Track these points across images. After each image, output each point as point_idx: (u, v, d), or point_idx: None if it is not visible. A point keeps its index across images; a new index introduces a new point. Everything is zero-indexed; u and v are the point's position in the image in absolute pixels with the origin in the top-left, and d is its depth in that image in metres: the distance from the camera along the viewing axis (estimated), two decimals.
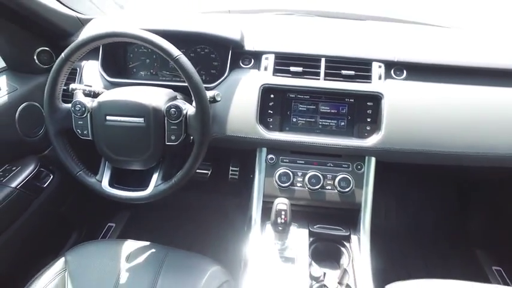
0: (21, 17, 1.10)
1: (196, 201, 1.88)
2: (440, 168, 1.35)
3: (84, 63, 1.22)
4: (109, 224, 1.79)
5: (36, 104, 1.22)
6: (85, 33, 1.27)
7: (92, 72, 1.21)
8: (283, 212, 0.96)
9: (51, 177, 1.29)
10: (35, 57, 1.22)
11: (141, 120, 0.96)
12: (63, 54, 0.94)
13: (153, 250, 1.09)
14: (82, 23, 1.31)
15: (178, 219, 1.82)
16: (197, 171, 1.39)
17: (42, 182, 1.25)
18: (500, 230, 1.69)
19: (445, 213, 1.88)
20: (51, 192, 1.28)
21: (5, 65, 1.22)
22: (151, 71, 1.26)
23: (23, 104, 1.17)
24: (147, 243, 1.11)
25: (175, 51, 0.91)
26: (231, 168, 1.43)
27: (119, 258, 1.05)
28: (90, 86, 1.06)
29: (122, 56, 1.26)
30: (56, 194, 1.32)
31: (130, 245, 1.09)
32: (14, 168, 1.17)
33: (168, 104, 0.96)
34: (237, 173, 1.43)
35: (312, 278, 0.97)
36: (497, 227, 1.71)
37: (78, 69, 1.21)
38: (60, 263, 1.02)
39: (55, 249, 1.41)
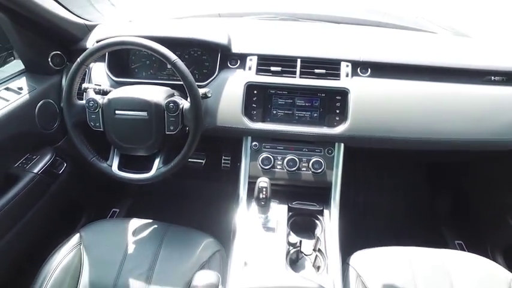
0: (39, 26, 1.23)
1: (193, 187, 2.00)
2: (408, 154, 1.51)
3: (92, 65, 1.33)
4: (113, 209, 1.91)
5: (51, 101, 1.34)
6: (93, 38, 1.39)
7: (99, 73, 1.33)
8: (264, 189, 1.10)
9: (65, 165, 1.41)
10: (49, 59, 1.34)
11: (144, 113, 1.08)
12: (79, 59, 1.07)
13: (155, 226, 1.22)
14: (89, 28, 1.43)
15: (177, 204, 1.93)
16: (193, 160, 1.53)
17: (57, 169, 1.37)
18: (463, 208, 1.85)
19: (416, 194, 2.03)
20: (65, 178, 1.41)
21: (23, 68, 1.34)
22: (151, 71, 1.37)
23: (41, 101, 1.29)
24: (150, 220, 1.24)
25: (172, 56, 1.05)
26: (223, 157, 1.54)
27: (126, 233, 1.18)
28: (100, 85, 1.18)
29: (125, 59, 1.37)
30: (68, 180, 1.44)
31: (135, 223, 1.22)
32: (34, 157, 1.30)
33: (167, 100, 1.09)
34: (229, 162, 1.54)
35: (290, 244, 1.10)
36: (459, 206, 1.87)
37: (87, 70, 1.32)
38: (76, 238, 1.15)
39: (68, 229, 1.51)
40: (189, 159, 1.51)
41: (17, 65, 1.37)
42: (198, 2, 2.09)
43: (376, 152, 1.35)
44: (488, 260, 1.13)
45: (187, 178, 1.95)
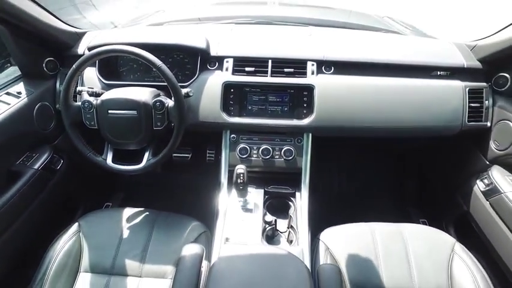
0: (34, 35, 1.33)
1: (180, 180, 2.10)
2: (373, 143, 1.65)
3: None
4: (106, 203, 2.00)
5: (47, 103, 1.44)
6: (83, 45, 1.50)
7: (91, 76, 1.43)
8: (241, 175, 1.24)
9: (62, 161, 1.50)
10: (44, 65, 1.44)
11: (134, 112, 1.20)
12: (74, 66, 1.18)
13: (147, 214, 1.33)
14: (79, 36, 1.54)
15: (166, 195, 2.01)
16: (179, 155, 1.64)
17: (55, 165, 1.46)
18: (425, 190, 2.02)
19: (385, 178, 2.19)
20: (62, 173, 1.50)
21: (20, 73, 1.44)
22: (138, 74, 1.48)
23: (38, 104, 1.39)
24: (142, 209, 1.35)
25: (157, 61, 1.17)
26: (208, 151, 1.66)
27: (121, 221, 1.29)
28: (92, 88, 1.29)
29: (113, 63, 1.47)
30: (65, 176, 1.52)
31: (129, 211, 1.33)
32: (34, 154, 1.39)
33: (154, 100, 1.21)
34: (213, 155, 1.66)
35: (266, 222, 1.24)
36: (423, 189, 2.04)
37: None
38: (75, 227, 1.25)
39: (66, 220, 1.57)
40: (177, 155, 1.65)
41: (13, 71, 1.47)
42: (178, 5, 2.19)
43: (345, 140, 1.46)
44: (438, 229, 1.29)
45: (175, 172, 2.05)
